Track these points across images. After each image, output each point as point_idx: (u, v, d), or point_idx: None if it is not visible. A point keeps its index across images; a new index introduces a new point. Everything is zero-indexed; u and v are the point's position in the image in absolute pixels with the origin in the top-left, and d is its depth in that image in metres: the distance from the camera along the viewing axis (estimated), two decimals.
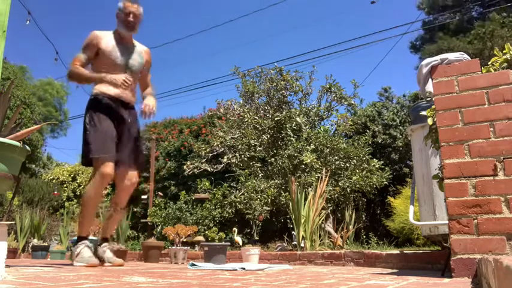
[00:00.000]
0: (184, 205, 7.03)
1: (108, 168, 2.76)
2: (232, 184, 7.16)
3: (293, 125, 6.27)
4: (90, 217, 2.93)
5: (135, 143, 3.03)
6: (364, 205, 6.53)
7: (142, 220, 7.93)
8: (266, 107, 6.73)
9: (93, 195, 2.83)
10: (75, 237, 5.86)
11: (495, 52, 1.91)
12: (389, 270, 2.66)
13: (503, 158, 1.65)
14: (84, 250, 2.75)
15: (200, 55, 46.00)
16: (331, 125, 6.75)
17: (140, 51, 3.17)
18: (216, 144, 6.85)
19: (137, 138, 3.09)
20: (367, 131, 7.38)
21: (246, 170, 6.63)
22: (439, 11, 13.31)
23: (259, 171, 6.39)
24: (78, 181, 10.34)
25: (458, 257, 1.64)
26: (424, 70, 2.18)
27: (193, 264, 2.84)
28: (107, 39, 3.01)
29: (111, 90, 2.93)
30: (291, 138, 6.11)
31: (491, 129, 1.70)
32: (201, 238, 6.29)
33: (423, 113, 2.09)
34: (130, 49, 3.11)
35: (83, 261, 2.70)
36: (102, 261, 2.86)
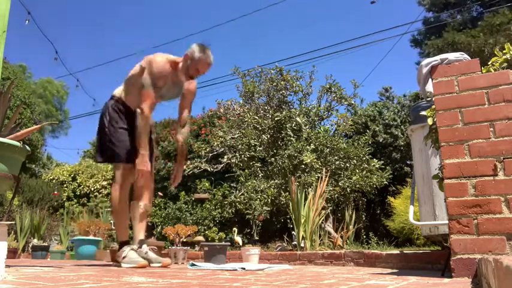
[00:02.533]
0: (184, 205, 7.03)
1: (131, 171, 2.85)
2: (232, 184, 7.16)
3: (293, 125, 6.27)
4: (124, 220, 2.93)
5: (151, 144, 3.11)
6: (364, 205, 6.53)
7: None
8: (266, 107, 6.74)
9: (120, 199, 2.86)
10: (75, 237, 5.86)
11: (495, 52, 1.91)
12: (389, 270, 2.66)
13: (503, 158, 1.65)
14: (130, 252, 2.75)
15: None
16: (331, 125, 6.76)
17: (181, 87, 3.06)
18: (216, 144, 6.86)
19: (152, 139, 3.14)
20: (368, 130, 7.39)
21: (246, 170, 6.63)
22: (440, 8, 13.31)
23: (259, 171, 6.39)
24: (78, 181, 10.34)
25: (458, 257, 1.64)
26: (424, 70, 2.18)
27: (193, 264, 2.84)
28: (166, 71, 2.89)
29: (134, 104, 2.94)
30: (291, 138, 6.11)
31: (491, 129, 1.70)
32: (201, 238, 6.29)
33: (423, 113, 2.09)
34: (176, 83, 3.00)
35: (132, 261, 2.69)
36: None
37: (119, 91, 3.03)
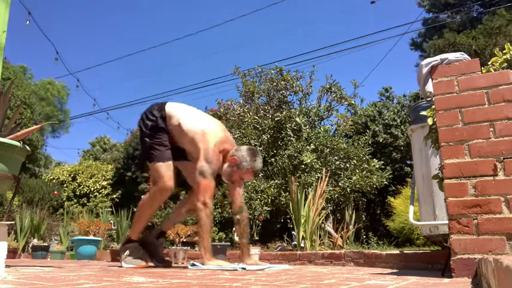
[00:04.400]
0: None
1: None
2: None
3: (293, 125, 6.27)
4: (144, 222, 2.91)
5: None
6: (364, 205, 6.53)
7: None
8: (266, 107, 6.74)
9: (154, 203, 2.87)
10: (75, 237, 5.85)
11: (495, 52, 1.91)
12: (390, 270, 2.66)
13: (503, 158, 1.65)
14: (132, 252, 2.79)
15: (200, 55, 46.04)
16: (331, 125, 6.76)
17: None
18: None
19: None
20: (368, 130, 7.39)
21: None
22: (440, 9, 13.31)
23: None
24: (78, 181, 10.35)
25: (458, 257, 1.64)
26: (424, 70, 2.18)
27: (193, 264, 2.83)
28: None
29: None
30: (291, 138, 6.11)
31: (491, 129, 1.70)
32: None
33: (423, 113, 2.09)
34: None
35: (132, 262, 2.72)
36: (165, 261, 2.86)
37: (171, 114, 2.78)
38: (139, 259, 2.76)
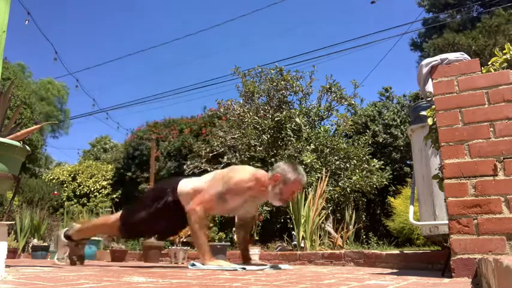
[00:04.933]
0: None
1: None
2: None
3: (293, 125, 6.27)
4: (88, 233, 3.17)
5: None
6: (364, 205, 6.53)
7: None
8: (266, 107, 6.73)
9: (100, 226, 3.13)
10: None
11: (495, 52, 1.91)
12: (389, 270, 2.66)
13: (503, 158, 1.64)
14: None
15: (200, 55, 46.04)
16: (331, 125, 6.76)
17: (257, 203, 2.82)
18: (216, 144, 6.85)
19: None
20: (368, 130, 7.39)
21: None
22: (440, 9, 13.31)
23: None
24: (78, 181, 10.34)
25: (458, 257, 1.64)
26: (424, 70, 2.18)
27: (193, 264, 2.83)
28: (245, 192, 2.58)
29: None
30: (291, 138, 6.11)
31: (491, 129, 1.70)
32: None
33: (423, 113, 2.09)
34: (253, 200, 2.73)
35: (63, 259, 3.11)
36: None
37: (184, 194, 2.66)
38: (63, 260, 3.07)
